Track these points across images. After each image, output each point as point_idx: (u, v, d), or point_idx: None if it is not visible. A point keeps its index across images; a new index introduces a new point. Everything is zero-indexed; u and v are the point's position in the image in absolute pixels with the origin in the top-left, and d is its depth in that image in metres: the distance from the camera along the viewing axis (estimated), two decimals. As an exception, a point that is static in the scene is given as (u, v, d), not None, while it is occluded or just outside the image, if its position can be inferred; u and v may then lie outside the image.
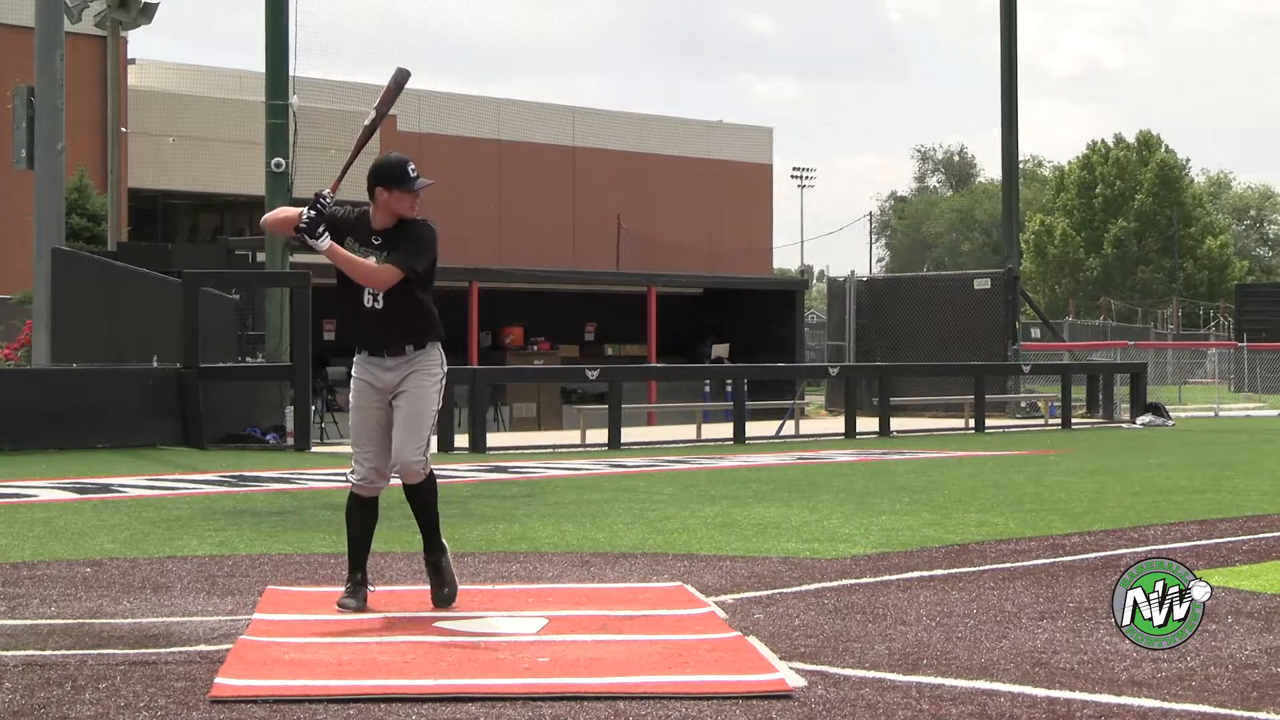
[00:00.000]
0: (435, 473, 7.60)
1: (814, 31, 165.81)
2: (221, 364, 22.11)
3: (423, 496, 7.54)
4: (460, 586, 8.18)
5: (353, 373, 7.62)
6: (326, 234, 7.37)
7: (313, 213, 7.38)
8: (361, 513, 7.63)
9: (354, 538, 7.61)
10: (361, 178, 7.61)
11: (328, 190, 7.47)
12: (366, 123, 7.64)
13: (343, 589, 7.60)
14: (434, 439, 7.55)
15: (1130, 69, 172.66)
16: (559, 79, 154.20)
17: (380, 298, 7.45)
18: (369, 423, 7.55)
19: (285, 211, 7.60)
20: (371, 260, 7.42)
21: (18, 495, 13.89)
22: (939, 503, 13.22)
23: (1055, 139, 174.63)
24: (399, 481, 7.60)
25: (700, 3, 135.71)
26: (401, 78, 7.75)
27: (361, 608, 7.40)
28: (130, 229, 36.48)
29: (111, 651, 6.54)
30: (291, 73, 23.57)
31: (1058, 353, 35.92)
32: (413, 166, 7.49)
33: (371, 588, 7.62)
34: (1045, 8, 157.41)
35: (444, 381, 7.69)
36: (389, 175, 7.44)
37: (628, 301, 33.00)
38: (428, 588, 8.13)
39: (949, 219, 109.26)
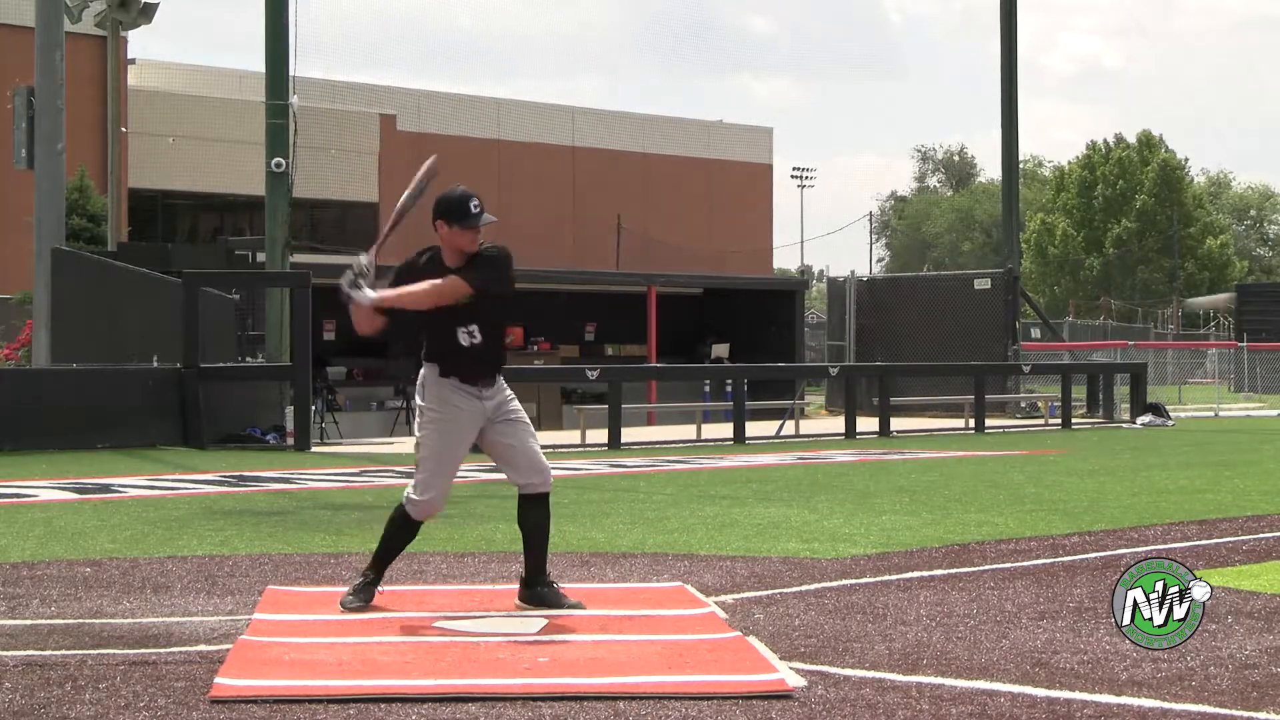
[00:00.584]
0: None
1: (814, 32, 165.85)
2: (221, 364, 22.11)
3: (547, 509, 7.54)
4: (460, 586, 8.20)
5: (437, 395, 7.42)
6: (364, 287, 7.23)
7: (347, 280, 7.24)
8: (409, 533, 7.57)
9: (389, 550, 7.57)
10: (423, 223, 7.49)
11: (365, 257, 7.34)
12: (399, 206, 7.53)
13: (346, 587, 7.59)
14: None
15: (1129, 69, 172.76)
16: (558, 80, 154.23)
17: (478, 333, 7.36)
18: (458, 448, 7.47)
19: (356, 313, 7.33)
20: (427, 283, 7.27)
21: (18, 495, 13.89)
22: (939, 503, 13.22)
23: (1054, 139, 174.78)
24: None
25: (699, 3, 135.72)
26: (432, 169, 7.61)
27: (364, 609, 7.39)
28: (130, 229, 36.49)
29: (111, 651, 6.54)
30: (291, 73, 23.59)
31: (1058, 353, 35.92)
32: (475, 202, 7.34)
33: (379, 588, 7.59)
34: (1045, 8, 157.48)
35: None
36: (449, 211, 7.33)
37: (628, 301, 33.00)
38: (428, 588, 8.13)
39: (949, 219, 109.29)
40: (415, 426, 7.61)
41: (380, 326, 7.35)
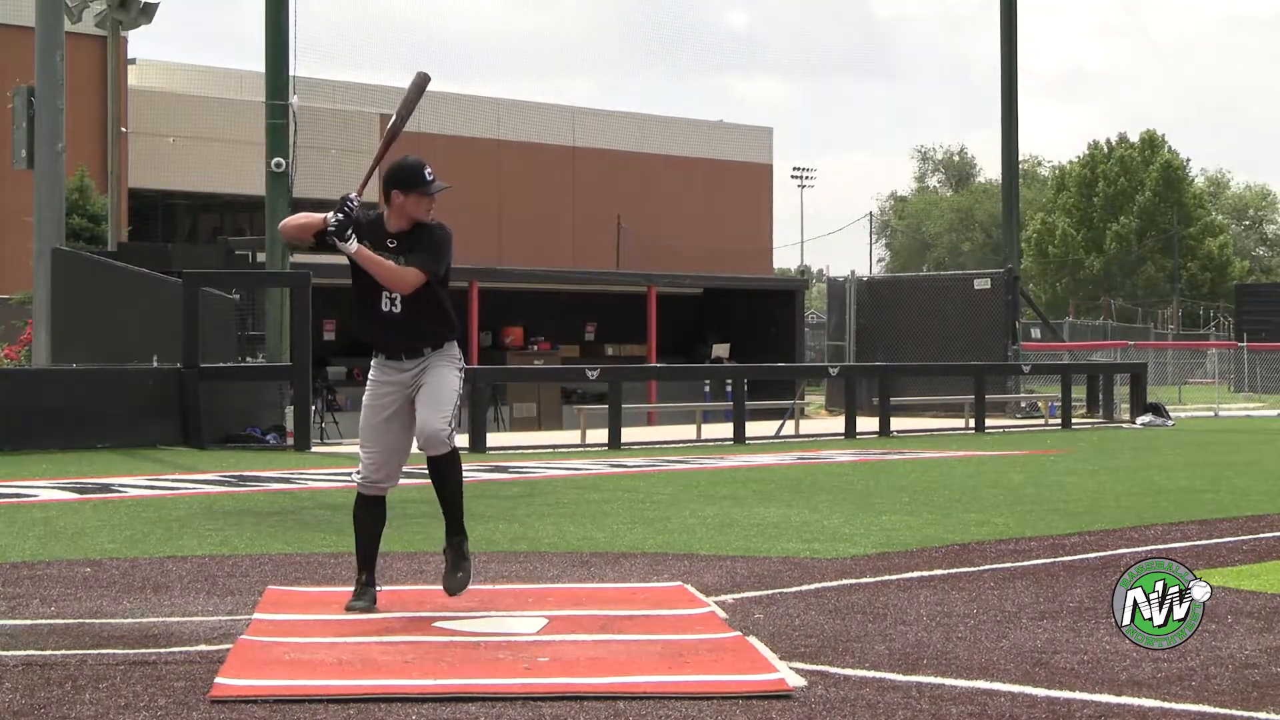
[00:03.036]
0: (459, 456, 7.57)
1: (815, 32, 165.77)
2: (221, 364, 22.11)
3: (444, 469, 7.49)
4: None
5: (370, 375, 7.58)
6: (354, 236, 7.33)
7: (340, 215, 7.32)
8: (369, 513, 7.61)
9: (362, 539, 7.60)
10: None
11: (354, 194, 7.42)
12: (390, 128, 7.59)
13: (351, 590, 7.60)
14: (457, 422, 7.52)
15: (1129, 69, 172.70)
16: (557, 80, 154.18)
17: (399, 301, 7.42)
18: (380, 420, 7.53)
19: (304, 217, 7.51)
20: (397, 267, 7.37)
21: (18, 495, 13.88)
22: (939, 503, 13.22)
23: (1053, 140, 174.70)
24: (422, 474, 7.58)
25: (698, 3, 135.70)
26: (421, 81, 7.69)
27: (370, 609, 7.39)
28: (130, 229, 36.46)
29: (111, 651, 6.54)
30: (291, 73, 23.59)
31: (1058, 353, 35.92)
32: (429, 170, 7.44)
33: (379, 588, 7.59)
34: (1044, 8, 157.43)
35: (463, 370, 7.69)
36: (405, 178, 7.40)
37: (628, 301, 32.99)
38: (428, 588, 8.13)
39: (949, 219, 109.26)
40: None
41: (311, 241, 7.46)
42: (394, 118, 7.62)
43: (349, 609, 7.40)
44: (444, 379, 7.47)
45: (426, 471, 7.57)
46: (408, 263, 7.37)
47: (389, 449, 7.53)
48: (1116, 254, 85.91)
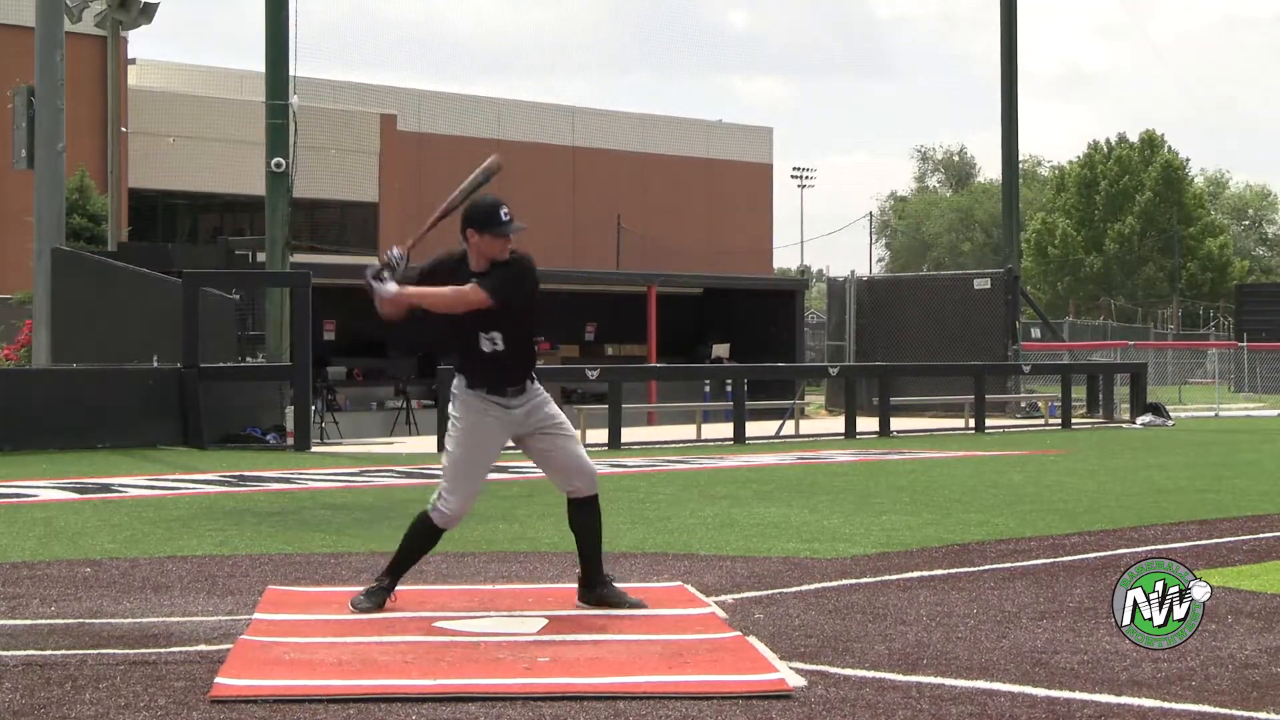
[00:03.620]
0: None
1: (815, 32, 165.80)
2: (221, 364, 22.11)
3: (597, 509, 7.57)
4: (460, 586, 8.19)
5: (465, 404, 7.43)
6: (391, 281, 7.26)
7: (379, 267, 7.29)
8: (431, 540, 7.56)
9: (408, 557, 7.55)
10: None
11: (398, 250, 7.37)
12: (449, 200, 7.55)
13: (354, 589, 7.59)
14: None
15: (1128, 69, 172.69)
16: (557, 80, 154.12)
17: (500, 341, 7.34)
18: (481, 458, 7.46)
19: (383, 303, 7.36)
20: (450, 288, 7.28)
21: (18, 495, 13.88)
22: (939, 503, 13.22)
23: (1053, 140, 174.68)
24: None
25: (695, 5, 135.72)
26: (493, 167, 7.62)
27: (372, 611, 7.36)
28: (130, 229, 36.46)
29: (111, 651, 6.54)
30: (291, 73, 23.59)
31: (1058, 353, 35.92)
32: (505, 210, 7.33)
33: (392, 598, 7.51)
34: (1044, 8, 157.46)
35: None
36: (479, 219, 7.32)
37: (628, 301, 32.99)
38: (428, 588, 8.13)
39: (949, 219, 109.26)
40: (447, 435, 7.59)
41: (402, 314, 7.35)
42: (458, 190, 7.57)
43: (354, 604, 7.38)
44: (566, 421, 7.54)
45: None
46: (477, 285, 7.25)
47: (480, 485, 7.53)
48: (1116, 254, 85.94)
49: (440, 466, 7.59)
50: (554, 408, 7.56)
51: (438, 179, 44.33)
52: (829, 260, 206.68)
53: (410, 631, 6.95)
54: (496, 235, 7.30)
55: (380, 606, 7.42)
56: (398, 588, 7.50)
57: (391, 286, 7.25)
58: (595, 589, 7.54)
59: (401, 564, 7.56)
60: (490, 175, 7.64)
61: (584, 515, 7.57)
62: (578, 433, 7.56)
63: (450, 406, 7.54)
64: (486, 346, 7.36)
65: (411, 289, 7.28)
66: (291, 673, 6.06)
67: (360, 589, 7.61)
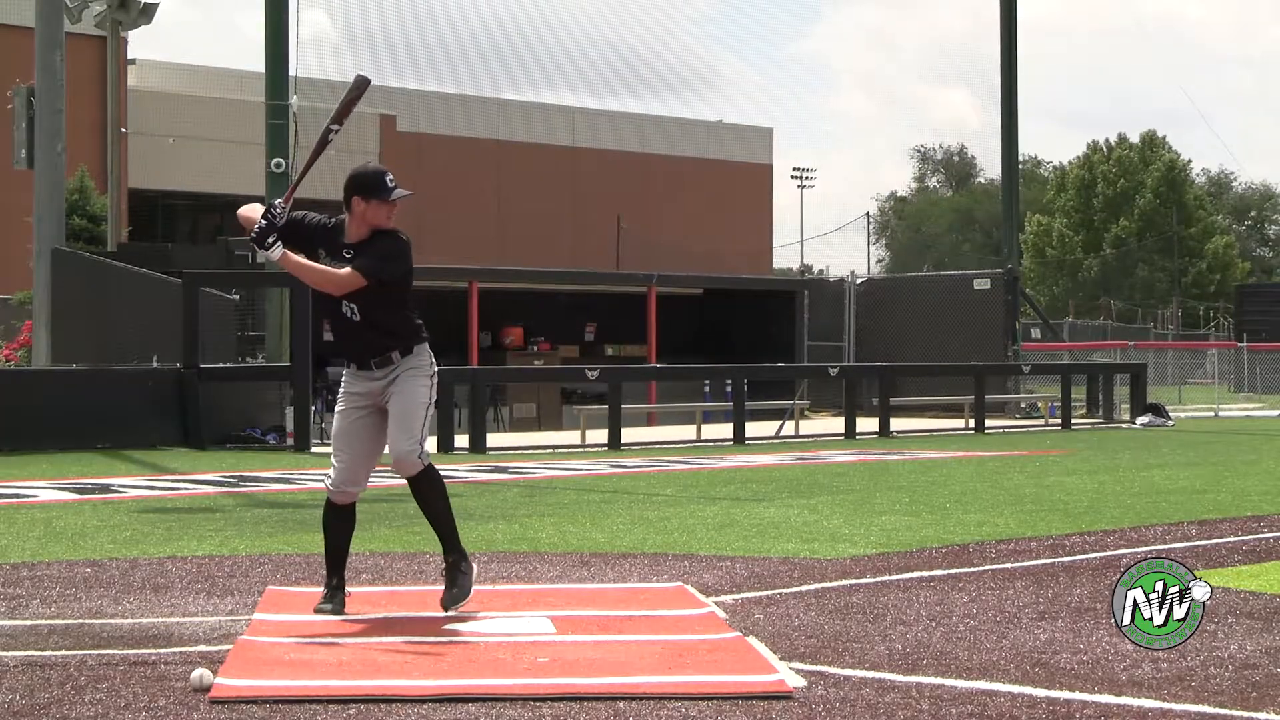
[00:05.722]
0: (439, 472, 7.55)
1: (815, 31, 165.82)
2: (221, 364, 22.11)
3: (423, 492, 7.47)
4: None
5: (342, 382, 7.57)
6: (278, 244, 7.31)
7: (263, 223, 7.31)
8: (338, 519, 7.58)
9: (332, 544, 7.57)
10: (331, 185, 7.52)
11: (279, 201, 7.42)
12: (324, 132, 7.51)
13: (350, 589, 7.59)
14: (432, 439, 7.50)
15: (1128, 68, 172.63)
16: (556, 79, 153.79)
17: (356, 310, 7.36)
18: (350, 427, 7.49)
19: (250, 210, 7.52)
20: (328, 270, 7.31)
21: (18, 495, 13.89)
22: (939, 503, 13.22)
23: (1053, 139, 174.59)
24: (398, 482, 7.57)
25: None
26: (361, 84, 7.57)
27: (339, 612, 7.35)
28: (130, 229, 36.47)
29: (111, 651, 6.54)
30: (292, 73, 23.59)
31: (1058, 353, 35.91)
32: (390, 177, 7.38)
33: (349, 591, 7.53)
34: (1044, 8, 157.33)
35: (435, 378, 7.61)
36: (365, 186, 7.33)
37: (628, 301, 32.98)
38: (428, 588, 8.14)
39: (949, 219, 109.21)
40: None
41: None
42: (329, 121, 7.51)
43: (318, 610, 7.35)
44: (412, 393, 7.42)
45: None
46: (350, 266, 7.29)
47: (358, 455, 7.50)
48: (1114, 256, 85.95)
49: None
50: (412, 382, 7.43)
51: (438, 179, 44.33)
52: (829, 260, 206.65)
53: (410, 631, 6.95)
54: (383, 202, 7.33)
55: (343, 605, 7.40)
56: (395, 588, 7.50)
57: (276, 251, 7.31)
58: (445, 555, 7.49)
59: (333, 556, 7.54)
60: (360, 93, 7.58)
61: (415, 495, 7.52)
62: (421, 410, 7.45)
63: None
64: (345, 310, 7.40)
65: (293, 259, 7.34)
66: (291, 673, 6.06)
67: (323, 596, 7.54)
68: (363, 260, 7.29)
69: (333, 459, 7.56)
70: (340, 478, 7.50)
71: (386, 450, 7.49)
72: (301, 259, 7.38)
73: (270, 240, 7.30)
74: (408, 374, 7.45)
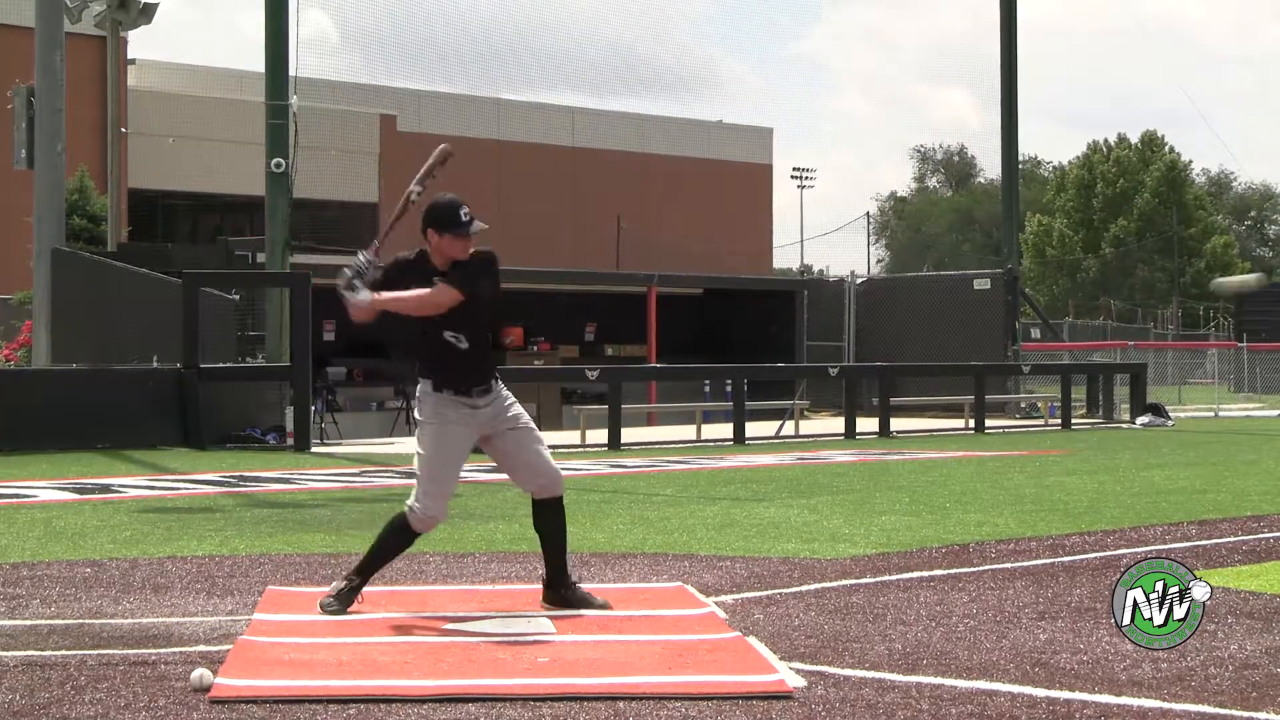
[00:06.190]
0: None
1: (814, 31, 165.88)
2: (221, 364, 22.11)
3: (561, 509, 7.52)
4: (460, 586, 8.19)
5: (432, 406, 7.40)
6: (364, 289, 7.26)
7: (348, 272, 7.27)
8: (406, 542, 7.54)
9: (381, 557, 7.53)
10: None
11: (364, 255, 7.36)
12: (407, 194, 7.51)
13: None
14: None
15: (1127, 67, 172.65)
16: (556, 78, 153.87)
17: (464, 340, 7.33)
18: (453, 460, 7.44)
19: (353, 309, 7.38)
20: (420, 291, 7.26)
21: (18, 495, 13.89)
22: (939, 503, 13.22)
23: (1053, 140, 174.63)
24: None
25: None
26: (445, 154, 7.57)
27: (342, 612, 7.35)
28: (130, 229, 36.47)
29: (111, 651, 6.54)
30: (292, 73, 23.59)
31: (1057, 353, 35.90)
32: (465, 210, 7.32)
33: (360, 599, 7.50)
34: (1044, 8, 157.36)
35: None
36: (439, 220, 7.29)
37: (628, 301, 32.98)
38: (428, 588, 8.13)
39: (949, 219, 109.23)
40: (415, 438, 7.59)
41: (373, 317, 7.34)
42: (413, 185, 7.51)
43: (322, 606, 7.34)
44: (529, 419, 7.52)
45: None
46: (444, 282, 7.25)
47: (453, 485, 7.50)
48: (1114, 256, 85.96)
49: (413, 469, 7.57)
50: (520, 408, 7.55)
51: (438, 179, 44.22)
52: (829, 260, 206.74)
53: (410, 631, 6.96)
54: (457, 236, 7.29)
55: (349, 607, 7.39)
56: (395, 588, 7.49)
57: (365, 295, 7.24)
58: (559, 590, 7.51)
59: (373, 563, 7.52)
60: (443, 162, 7.58)
61: (548, 516, 7.54)
62: (543, 434, 7.53)
63: (417, 410, 7.52)
64: (451, 340, 7.33)
65: (384, 295, 7.27)
66: (291, 673, 6.06)
67: (329, 590, 7.56)
68: (454, 276, 7.25)
69: (426, 485, 7.40)
70: (436, 509, 7.41)
71: (536, 470, 7.44)
72: (392, 294, 7.29)
73: (357, 283, 7.25)
74: (513, 404, 7.50)
